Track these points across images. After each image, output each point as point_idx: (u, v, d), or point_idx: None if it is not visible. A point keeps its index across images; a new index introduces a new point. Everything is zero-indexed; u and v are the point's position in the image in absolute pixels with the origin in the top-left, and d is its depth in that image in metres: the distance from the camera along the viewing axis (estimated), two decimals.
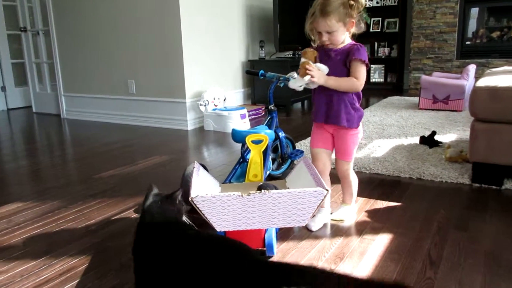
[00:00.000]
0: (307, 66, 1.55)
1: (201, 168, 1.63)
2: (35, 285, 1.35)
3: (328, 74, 1.58)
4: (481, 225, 1.69)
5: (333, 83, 1.57)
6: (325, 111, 1.65)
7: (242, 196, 1.26)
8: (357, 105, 1.65)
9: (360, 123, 1.68)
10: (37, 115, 4.97)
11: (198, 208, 1.28)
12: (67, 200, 2.11)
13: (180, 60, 3.72)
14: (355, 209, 1.84)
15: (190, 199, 1.26)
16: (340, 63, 1.58)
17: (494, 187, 2.10)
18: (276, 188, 1.33)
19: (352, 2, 1.49)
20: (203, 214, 1.29)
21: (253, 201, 1.28)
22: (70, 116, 4.68)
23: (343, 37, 1.57)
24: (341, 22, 1.51)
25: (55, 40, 4.58)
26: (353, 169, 1.80)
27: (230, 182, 1.87)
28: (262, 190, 1.27)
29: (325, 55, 1.60)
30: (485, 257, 1.44)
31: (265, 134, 1.83)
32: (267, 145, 1.82)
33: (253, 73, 2.21)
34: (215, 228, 1.33)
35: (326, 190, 1.29)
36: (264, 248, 1.46)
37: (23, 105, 5.59)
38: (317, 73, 1.54)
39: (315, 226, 1.68)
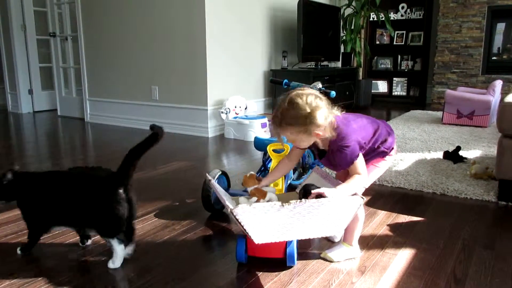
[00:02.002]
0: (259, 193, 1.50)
1: (213, 181, 1.61)
2: (54, 286, 1.37)
3: (331, 163, 1.48)
4: (508, 244, 1.64)
5: (344, 192, 1.36)
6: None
7: (282, 205, 1.25)
8: (385, 146, 1.51)
9: (393, 153, 1.55)
10: (62, 118, 5.08)
11: (237, 220, 1.24)
12: None
13: (204, 68, 3.76)
14: (356, 252, 1.54)
15: (229, 210, 1.23)
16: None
17: None
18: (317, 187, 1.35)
19: (311, 118, 1.32)
20: (242, 226, 1.26)
21: (293, 210, 1.27)
22: (94, 120, 4.76)
23: (313, 140, 1.40)
24: (303, 134, 1.35)
25: (83, 46, 4.69)
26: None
27: None
28: (302, 200, 1.28)
29: (318, 150, 1.51)
30: None
31: (286, 143, 1.83)
32: None
33: (277, 82, 2.21)
34: (254, 240, 1.29)
35: (362, 198, 1.30)
36: (285, 257, 1.45)
37: (48, 108, 5.72)
38: (327, 192, 1.33)
39: (337, 238, 1.65)
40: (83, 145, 3.71)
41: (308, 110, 1.33)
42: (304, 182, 1.71)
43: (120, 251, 1.46)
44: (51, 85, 5.57)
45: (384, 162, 1.53)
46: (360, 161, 1.42)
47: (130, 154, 1.43)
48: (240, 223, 1.26)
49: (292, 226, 1.30)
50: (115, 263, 1.47)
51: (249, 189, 1.55)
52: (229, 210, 1.26)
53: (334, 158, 1.43)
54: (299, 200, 1.27)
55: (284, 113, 1.35)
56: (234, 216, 1.25)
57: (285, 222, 1.29)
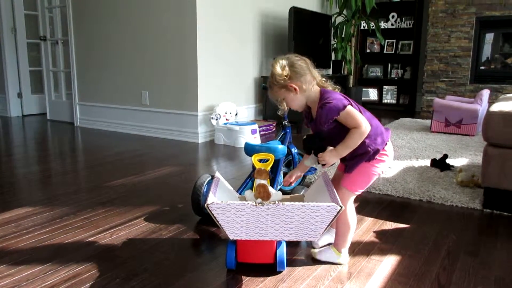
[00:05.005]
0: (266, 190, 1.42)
1: (222, 179, 1.66)
2: None
3: (317, 127, 1.50)
4: (492, 251, 1.66)
5: (344, 150, 1.43)
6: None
7: (256, 205, 1.31)
8: (370, 146, 1.47)
9: (385, 158, 1.51)
10: (51, 122, 5.04)
11: (212, 214, 1.32)
12: (76, 207, 2.12)
13: (194, 74, 3.77)
14: (345, 259, 1.55)
15: (205, 205, 1.30)
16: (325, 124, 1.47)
17: (506, 213, 2.07)
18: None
19: (272, 69, 1.49)
20: (217, 221, 1.33)
21: (267, 212, 1.31)
22: (84, 124, 4.74)
23: (301, 100, 1.50)
24: (283, 89, 1.48)
25: (73, 50, 4.67)
26: (353, 205, 1.56)
27: (241, 194, 1.87)
28: (276, 202, 1.32)
29: (310, 118, 1.56)
30: (495, 283, 1.41)
31: (276, 148, 1.84)
32: (280, 160, 1.83)
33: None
34: (228, 236, 1.36)
35: (340, 206, 1.29)
36: (275, 263, 1.47)
37: (38, 112, 5.68)
38: (327, 158, 1.45)
39: (318, 244, 1.66)
40: (71, 150, 3.69)
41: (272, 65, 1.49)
42: (309, 189, 1.72)
43: None
44: (41, 88, 5.54)
45: (375, 168, 1.50)
46: (350, 112, 1.41)
47: None
48: (215, 218, 1.32)
49: (266, 226, 1.34)
50: None
51: (261, 182, 1.50)
52: (205, 205, 1.31)
53: (317, 119, 1.48)
54: (273, 202, 1.31)
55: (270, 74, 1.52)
56: (210, 211, 1.30)
57: (259, 221, 1.33)
